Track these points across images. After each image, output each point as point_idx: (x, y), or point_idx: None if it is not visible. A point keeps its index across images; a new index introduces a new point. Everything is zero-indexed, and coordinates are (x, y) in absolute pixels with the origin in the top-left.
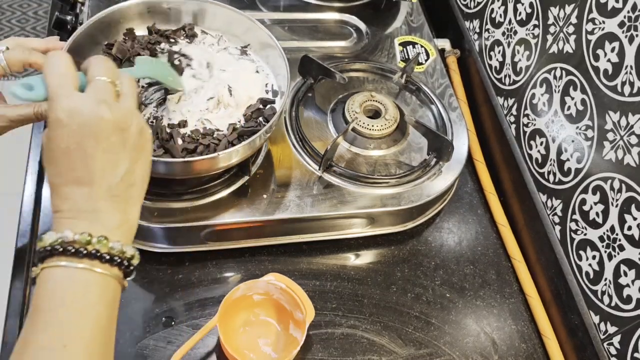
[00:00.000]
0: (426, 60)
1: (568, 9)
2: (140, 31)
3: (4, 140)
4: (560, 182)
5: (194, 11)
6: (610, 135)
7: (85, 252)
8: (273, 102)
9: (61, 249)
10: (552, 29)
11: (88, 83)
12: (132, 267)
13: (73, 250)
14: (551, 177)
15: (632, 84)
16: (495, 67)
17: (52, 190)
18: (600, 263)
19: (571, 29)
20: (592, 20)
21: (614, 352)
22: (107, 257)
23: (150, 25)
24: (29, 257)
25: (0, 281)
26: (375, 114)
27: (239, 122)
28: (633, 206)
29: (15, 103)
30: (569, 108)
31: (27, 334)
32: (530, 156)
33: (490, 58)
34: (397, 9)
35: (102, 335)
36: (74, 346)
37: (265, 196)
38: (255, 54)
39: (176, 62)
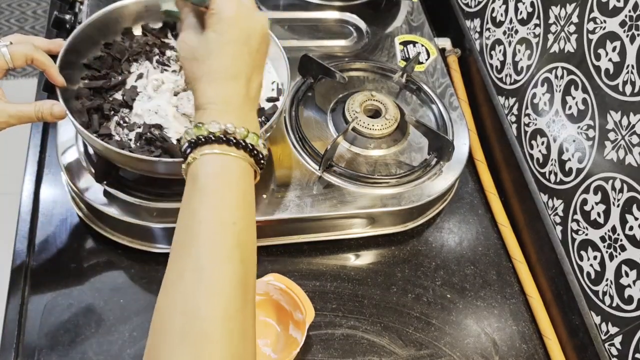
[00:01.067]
0: (427, 60)
1: (569, 8)
2: (139, 30)
3: (3, 139)
4: (562, 182)
5: None
6: (611, 135)
7: (243, 144)
8: (277, 99)
9: (224, 139)
10: (553, 28)
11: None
12: (265, 164)
13: (234, 141)
14: (552, 177)
15: (633, 84)
16: (496, 66)
17: (206, 82)
18: (602, 263)
19: (572, 28)
20: (594, 20)
21: (615, 352)
22: (256, 151)
23: (144, 24)
24: (27, 259)
25: None
26: (375, 114)
27: None
28: (634, 206)
29: None
30: (570, 108)
31: (199, 209)
32: (531, 156)
33: (491, 57)
34: (398, 8)
35: (253, 214)
36: (240, 224)
37: (265, 196)
38: None
39: None
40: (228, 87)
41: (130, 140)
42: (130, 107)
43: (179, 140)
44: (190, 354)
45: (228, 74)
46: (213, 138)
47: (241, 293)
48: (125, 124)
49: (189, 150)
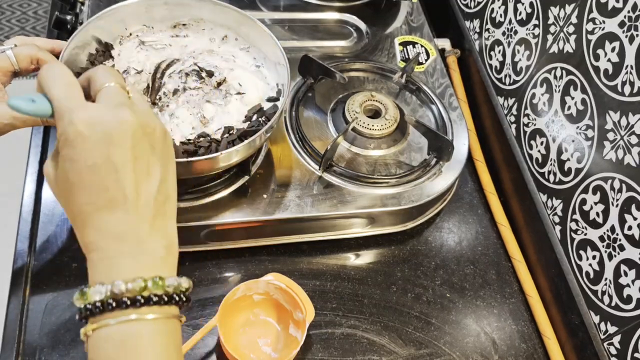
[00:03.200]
0: (426, 60)
1: (568, 8)
2: (138, 27)
3: (4, 140)
4: (561, 182)
5: (193, 9)
6: (610, 135)
7: (142, 300)
8: (277, 99)
9: (114, 304)
10: (552, 29)
11: (97, 92)
12: (188, 300)
13: (128, 302)
14: (551, 177)
15: (632, 84)
16: (496, 66)
17: (81, 224)
18: (601, 263)
19: (571, 28)
20: (593, 20)
21: (614, 352)
22: (166, 298)
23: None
24: (28, 259)
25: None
26: (375, 114)
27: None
28: (633, 206)
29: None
30: (569, 108)
31: None
32: (530, 156)
33: (491, 58)
34: (398, 8)
35: None
36: None
37: (265, 196)
38: (256, 52)
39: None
40: (107, 223)
41: None
42: None
43: (183, 143)
44: None
45: (99, 206)
46: (101, 307)
47: None
48: None
49: (83, 322)
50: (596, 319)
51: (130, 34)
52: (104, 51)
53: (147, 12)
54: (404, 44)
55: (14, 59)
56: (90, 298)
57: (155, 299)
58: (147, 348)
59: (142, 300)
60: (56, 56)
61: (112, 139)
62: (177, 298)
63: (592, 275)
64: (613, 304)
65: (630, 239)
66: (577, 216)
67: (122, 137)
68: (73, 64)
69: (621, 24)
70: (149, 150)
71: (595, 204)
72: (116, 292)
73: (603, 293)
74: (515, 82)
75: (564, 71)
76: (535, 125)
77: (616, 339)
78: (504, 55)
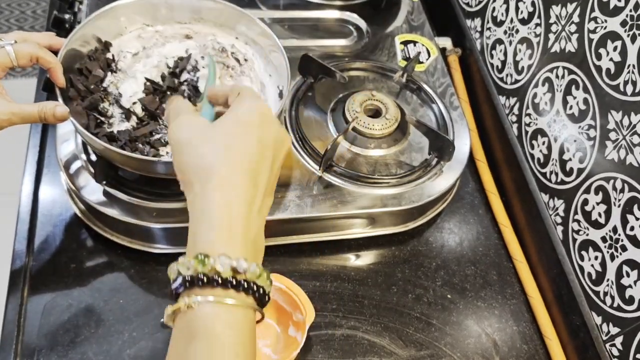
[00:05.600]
0: (427, 59)
1: (570, 7)
2: (138, 26)
3: (2, 139)
4: (563, 182)
5: (193, 8)
6: (612, 135)
7: (254, 288)
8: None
9: (234, 282)
10: (554, 28)
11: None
12: (268, 301)
13: (244, 286)
14: (553, 177)
15: (634, 83)
16: (497, 66)
17: (207, 178)
18: (603, 264)
19: (573, 27)
20: (594, 19)
21: (616, 353)
22: (262, 291)
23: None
24: (27, 260)
25: None
26: (375, 114)
27: None
28: (635, 206)
29: None
30: (571, 107)
31: None
32: (532, 156)
33: (492, 57)
34: (398, 7)
35: None
36: None
37: None
38: (257, 53)
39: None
40: (237, 187)
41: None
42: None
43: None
44: None
45: (243, 169)
46: (219, 281)
47: None
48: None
49: (181, 290)
50: (598, 320)
51: (130, 32)
52: (104, 49)
53: (147, 11)
54: (405, 43)
55: (13, 56)
56: (211, 267)
57: (262, 290)
58: (246, 333)
59: (254, 288)
60: (55, 53)
61: (276, 136)
62: (268, 296)
63: (594, 276)
64: (615, 304)
65: (633, 239)
66: (579, 216)
67: (283, 146)
68: (72, 61)
69: (623, 23)
70: (280, 165)
71: (597, 204)
72: (238, 269)
73: (605, 294)
74: (516, 81)
75: (565, 70)
76: (536, 124)
77: (618, 340)
78: (505, 54)
